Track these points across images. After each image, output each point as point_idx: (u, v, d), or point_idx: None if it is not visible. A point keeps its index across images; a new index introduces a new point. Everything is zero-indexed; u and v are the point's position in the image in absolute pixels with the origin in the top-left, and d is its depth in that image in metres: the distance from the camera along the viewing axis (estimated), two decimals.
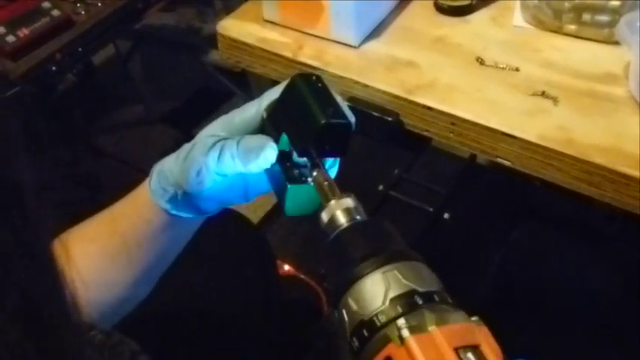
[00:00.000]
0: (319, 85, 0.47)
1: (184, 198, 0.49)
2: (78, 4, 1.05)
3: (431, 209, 1.35)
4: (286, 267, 1.27)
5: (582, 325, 1.16)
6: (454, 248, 1.32)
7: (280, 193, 0.47)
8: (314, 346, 1.14)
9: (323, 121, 0.44)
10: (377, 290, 0.35)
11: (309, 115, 0.44)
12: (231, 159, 0.45)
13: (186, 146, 0.49)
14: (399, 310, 0.33)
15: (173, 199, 0.49)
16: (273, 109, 0.48)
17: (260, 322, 0.78)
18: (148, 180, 0.51)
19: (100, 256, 0.52)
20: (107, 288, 0.53)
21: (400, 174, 1.43)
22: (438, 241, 1.34)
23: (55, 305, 0.28)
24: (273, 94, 0.48)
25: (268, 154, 0.45)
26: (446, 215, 1.36)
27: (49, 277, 0.28)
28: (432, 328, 0.32)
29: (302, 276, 1.26)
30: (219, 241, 0.76)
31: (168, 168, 0.49)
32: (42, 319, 0.27)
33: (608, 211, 0.66)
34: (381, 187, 1.41)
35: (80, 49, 1.04)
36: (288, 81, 0.47)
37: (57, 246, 0.29)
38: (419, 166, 1.45)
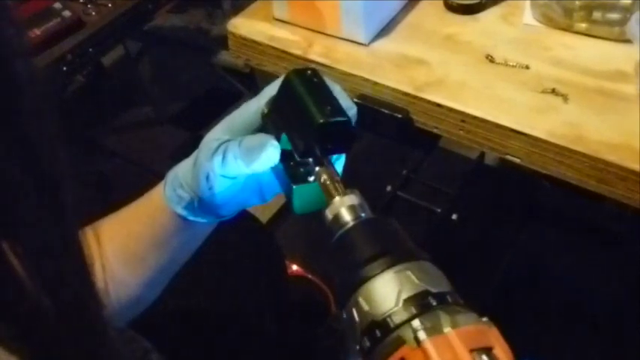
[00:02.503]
0: (315, 80, 0.45)
1: (200, 204, 0.48)
2: (88, 5, 1.06)
3: (439, 210, 1.35)
4: (294, 267, 1.27)
5: (592, 326, 1.15)
6: (462, 249, 1.32)
7: (287, 192, 0.46)
8: (321, 345, 1.14)
9: (320, 121, 0.41)
10: (389, 290, 0.34)
11: (306, 114, 0.43)
12: (234, 160, 0.45)
13: (196, 152, 0.48)
14: (413, 311, 0.33)
15: (189, 206, 0.49)
16: (272, 106, 0.47)
17: (268, 321, 0.78)
18: (161, 185, 0.50)
19: (113, 257, 0.52)
20: (120, 288, 0.52)
21: (408, 174, 1.43)
22: (447, 241, 1.34)
23: (88, 294, 0.29)
24: (272, 89, 0.47)
25: (270, 152, 0.44)
26: (454, 216, 1.35)
27: (83, 267, 0.28)
28: (447, 329, 0.32)
29: (310, 276, 1.26)
30: (227, 241, 0.76)
31: (182, 175, 0.49)
32: (79, 309, 0.28)
33: (618, 210, 0.66)
34: (389, 188, 1.40)
35: (90, 50, 1.04)
36: (283, 78, 0.45)
37: (89, 235, 0.30)
38: (427, 167, 1.45)
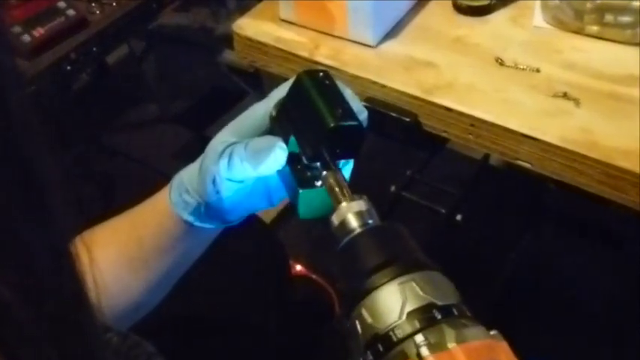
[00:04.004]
0: (327, 82, 0.44)
1: (207, 209, 0.48)
2: (93, 4, 1.05)
3: (443, 210, 1.34)
4: (298, 267, 1.26)
5: (595, 327, 1.15)
6: (466, 250, 1.31)
7: (293, 196, 0.45)
8: (325, 346, 1.14)
9: (331, 124, 0.41)
10: (393, 303, 0.33)
11: (317, 117, 0.42)
12: (240, 163, 0.44)
13: (202, 156, 0.48)
14: (417, 325, 0.32)
15: (196, 212, 0.48)
16: (281, 108, 0.46)
17: (272, 321, 0.77)
18: (167, 190, 0.50)
19: (116, 261, 0.52)
20: (122, 293, 0.52)
21: (412, 175, 1.42)
22: (451, 242, 1.33)
23: (79, 305, 0.28)
24: (281, 92, 0.47)
25: (278, 154, 0.43)
26: (458, 217, 1.34)
27: (72, 277, 0.28)
28: (451, 345, 0.31)
29: (314, 276, 1.25)
30: (231, 241, 0.75)
31: (188, 180, 0.48)
32: (66, 319, 0.27)
33: (622, 212, 0.65)
34: (393, 188, 1.39)
35: (95, 49, 1.04)
36: (294, 79, 0.45)
37: (79, 246, 0.29)
38: (431, 167, 1.44)
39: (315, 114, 0.42)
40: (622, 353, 1.11)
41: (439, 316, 0.33)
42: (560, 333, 1.13)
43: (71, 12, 1.00)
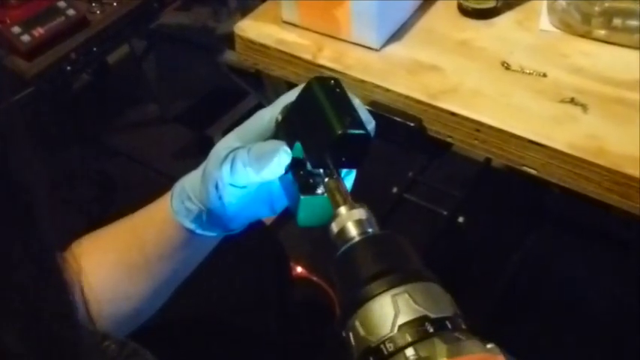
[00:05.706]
0: (337, 90, 0.44)
1: (209, 216, 0.47)
2: (93, 4, 1.04)
3: (445, 213, 1.34)
4: (299, 269, 1.26)
5: (596, 329, 1.15)
6: (468, 252, 1.31)
7: (293, 203, 0.45)
8: (326, 347, 1.13)
9: (339, 131, 0.41)
10: (385, 315, 0.33)
11: (325, 123, 0.42)
12: (243, 168, 0.43)
13: (205, 162, 0.47)
14: (409, 338, 0.32)
15: (198, 219, 0.47)
16: (288, 113, 0.46)
17: (273, 323, 0.77)
18: (169, 197, 0.49)
19: (116, 268, 0.51)
20: (122, 300, 0.52)
21: (415, 176, 1.41)
22: (452, 244, 1.33)
23: (62, 316, 0.27)
24: (288, 98, 0.47)
25: (282, 158, 0.43)
26: (460, 219, 1.34)
27: (56, 288, 0.27)
28: None
29: (314, 278, 1.25)
30: (232, 242, 0.75)
31: (190, 187, 0.47)
32: (49, 330, 0.26)
33: (626, 217, 0.65)
34: (395, 190, 1.39)
35: (95, 49, 1.03)
36: (304, 85, 0.45)
37: (69, 256, 0.28)
38: (434, 169, 1.44)
39: (323, 120, 0.42)
40: (622, 354, 1.11)
41: (431, 330, 0.32)
42: (560, 334, 1.13)
43: (71, 12, 1.00)
